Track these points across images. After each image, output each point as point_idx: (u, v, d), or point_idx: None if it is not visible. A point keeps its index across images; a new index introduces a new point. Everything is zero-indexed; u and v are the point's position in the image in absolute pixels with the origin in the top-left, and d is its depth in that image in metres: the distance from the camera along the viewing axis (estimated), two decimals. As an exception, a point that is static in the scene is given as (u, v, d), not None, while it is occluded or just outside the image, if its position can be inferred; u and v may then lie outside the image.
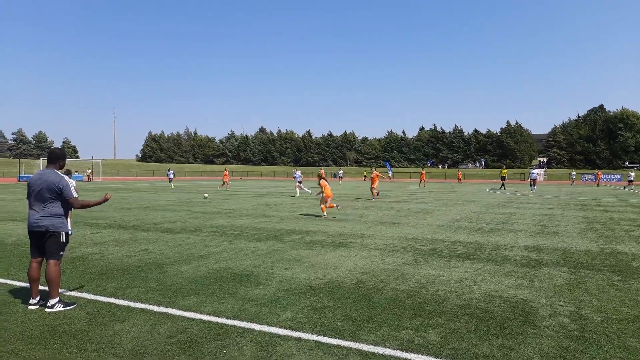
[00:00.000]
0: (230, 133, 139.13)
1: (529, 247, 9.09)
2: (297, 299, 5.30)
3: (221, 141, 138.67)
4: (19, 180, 55.22)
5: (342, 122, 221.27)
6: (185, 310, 4.85)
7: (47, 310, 4.83)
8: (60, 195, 4.96)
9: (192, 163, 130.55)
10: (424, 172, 44.96)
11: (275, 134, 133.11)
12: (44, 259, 5.04)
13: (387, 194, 28.63)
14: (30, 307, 4.94)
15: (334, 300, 5.27)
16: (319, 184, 14.77)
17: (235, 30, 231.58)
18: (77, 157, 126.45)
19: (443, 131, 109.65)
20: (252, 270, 6.79)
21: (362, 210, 16.64)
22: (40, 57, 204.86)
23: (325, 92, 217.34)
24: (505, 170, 40.04)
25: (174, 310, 4.87)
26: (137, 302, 5.15)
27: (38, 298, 5.01)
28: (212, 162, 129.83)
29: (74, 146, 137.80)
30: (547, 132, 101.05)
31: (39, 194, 4.92)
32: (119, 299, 5.28)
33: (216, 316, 4.68)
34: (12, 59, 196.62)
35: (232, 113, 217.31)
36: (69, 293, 5.50)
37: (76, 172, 62.81)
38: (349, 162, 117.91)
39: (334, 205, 15.00)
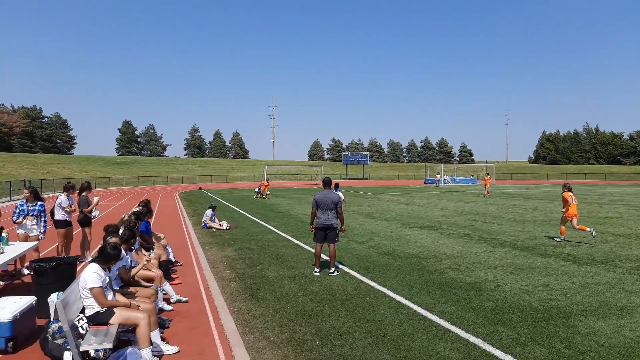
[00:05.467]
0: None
1: None
2: None
3: (631, 137, 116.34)
4: (425, 183, 63.64)
5: None
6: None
7: None
8: None
9: (593, 164, 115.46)
10: None
11: None
12: None
13: None
14: None
15: None
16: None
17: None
18: (472, 160, 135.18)
19: None
20: None
21: None
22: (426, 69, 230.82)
23: None
24: None
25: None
26: (540, 371, 4.19)
27: None
28: (619, 163, 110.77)
29: (470, 150, 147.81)
30: None
31: None
32: (517, 359, 4.46)
33: None
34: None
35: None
36: (461, 332, 5.13)
37: (472, 175, 66.63)
38: None
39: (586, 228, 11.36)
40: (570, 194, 11.87)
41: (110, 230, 5.78)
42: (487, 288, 7.15)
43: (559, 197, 30.77)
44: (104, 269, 4.60)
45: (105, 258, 4.63)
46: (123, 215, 7.16)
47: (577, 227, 11.59)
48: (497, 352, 4.62)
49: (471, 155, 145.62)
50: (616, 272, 8.16)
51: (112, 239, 5.23)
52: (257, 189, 32.66)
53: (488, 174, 34.83)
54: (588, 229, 11.33)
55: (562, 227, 11.94)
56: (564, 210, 11.91)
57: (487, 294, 6.78)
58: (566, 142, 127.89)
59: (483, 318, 5.70)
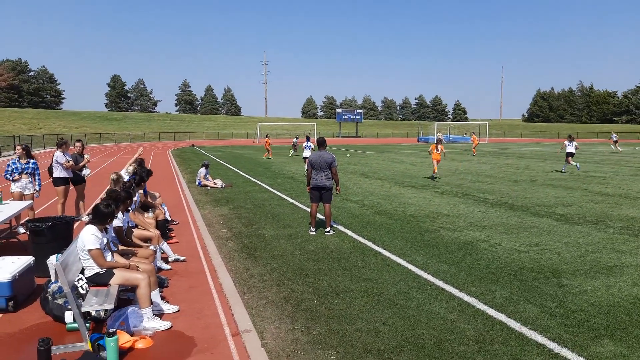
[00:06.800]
0: (638, 85, 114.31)
1: None
2: None
3: (625, 95, 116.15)
4: (418, 141, 63.56)
5: None
6: (598, 366, 3.67)
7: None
8: None
9: (586, 122, 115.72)
10: None
11: None
12: None
13: None
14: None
15: None
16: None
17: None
18: (466, 118, 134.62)
19: None
20: (700, 314, 4.69)
21: None
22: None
23: None
24: None
25: (581, 360, 3.77)
26: (529, 328, 4.32)
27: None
28: (611, 121, 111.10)
29: (464, 108, 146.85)
30: None
31: None
32: (510, 317, 4.59)
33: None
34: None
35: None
36: (455, 292, 5.25)
37: (465, 134, 66.35)
38: None
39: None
40: (437, 145, 16.82)
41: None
42: (480, 247, 7.27)
43: (551, 156, 31.00)
44: (101, 230, 4.58)
45: (100, 217, 4.58)
46: (112, 175, 7.02)
47: (435, 169, 16.84)
48: (491, 311, 4.74)
49: (465, 113, 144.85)
50: (607, 232, 8.32)
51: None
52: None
53: (474, 133, 35.38)
54: (436, 172, 16.84)
55: (435, 168, 16.86)
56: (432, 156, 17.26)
57: (480, 254, 6.90)
58: (560, 100, 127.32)
59: (476, 277, 5.82)
